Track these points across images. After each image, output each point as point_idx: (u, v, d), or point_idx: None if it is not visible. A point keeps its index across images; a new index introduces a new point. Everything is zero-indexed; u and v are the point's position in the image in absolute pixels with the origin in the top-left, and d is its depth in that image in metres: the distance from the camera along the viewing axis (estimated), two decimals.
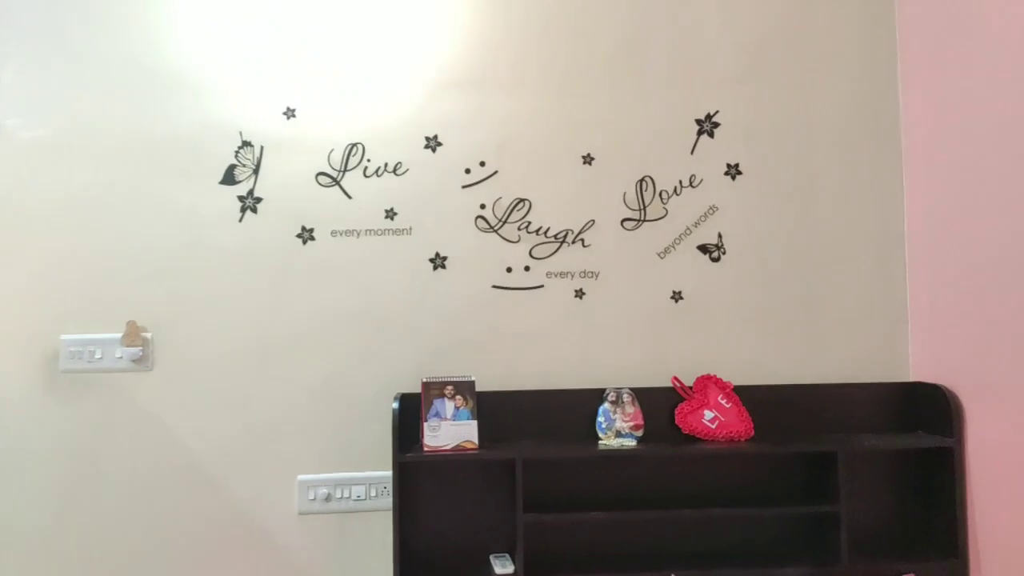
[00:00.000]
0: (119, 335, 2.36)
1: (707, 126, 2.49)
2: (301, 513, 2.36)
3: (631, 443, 2.25)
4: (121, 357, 2.36)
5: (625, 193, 2.47)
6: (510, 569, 2.16)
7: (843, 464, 2.18)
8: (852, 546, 2.19)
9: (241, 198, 2.41)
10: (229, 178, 2.42)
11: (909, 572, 2.15)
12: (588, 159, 2.46)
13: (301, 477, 2.36)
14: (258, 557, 2.35)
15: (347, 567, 2.35)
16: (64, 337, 2.36)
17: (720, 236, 2.47)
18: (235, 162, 2.42)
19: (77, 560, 2.31)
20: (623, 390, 2.31)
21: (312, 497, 2.36)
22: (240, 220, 2.41)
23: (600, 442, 2.27)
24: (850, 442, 2.26)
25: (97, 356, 2.37)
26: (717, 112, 2.49)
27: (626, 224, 2.46)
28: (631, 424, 2.28)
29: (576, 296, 2.43)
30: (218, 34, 2.43)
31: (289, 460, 2.37)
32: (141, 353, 2.36)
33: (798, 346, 2.46)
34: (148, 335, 2.38)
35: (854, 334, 2.47)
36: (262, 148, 2.42)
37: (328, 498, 2.36)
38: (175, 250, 2.39)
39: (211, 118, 2.41)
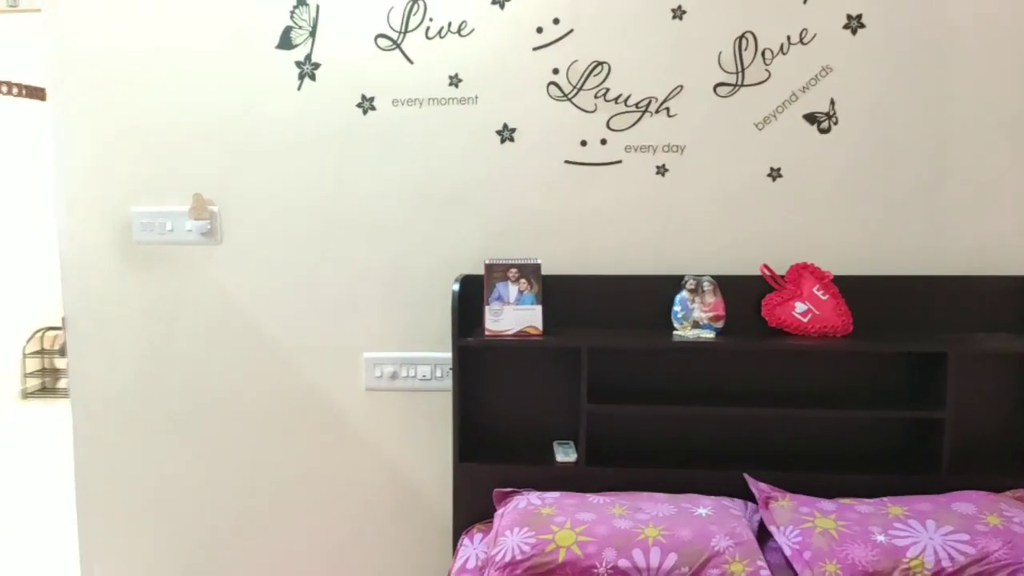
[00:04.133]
0: (187, 208, 2.35)
1: None
2: (368, 389, 2.36)
3: (709, 335, 2.06)
4: (191, 230, 2.36)
5: (720, 53, 2.13)
6: (572, 457, 2.10)
7: (953, 366, 1.92)
8: (954, 457, 1.97)
9: (299, 64, 2.26)
10: (285, 42, 2.26)
11: (1019, 489, 1.92)
12: (678, 12, 2.13)
13: (367, 355, 2.34)
14: (326, 431, 2.39)
15: (412, 444, 2.36)
16: (135, 209, 2.37)
17: (832, 103, 2.12)
18: (291, 23, 2.25)
19: (152, 422, 2.44)
20: (704, 277, 2.10)
21: (378, 375, 2.35)
22: (299, 88, 2.27)
23: (675, 332, 2.10)
24: (963, 342, 1.98)
25: (168, 228, 2.37)
26: None
27: (720, 90, 2.15)
28: (711, 314, 2.08)
29: (658, 173, 2.19)
30: None
31: (355, 337, 2.35)
32: (209, 227, 2.35)
33: (914, 233, 2.14)
34: (215, 208, 2.35)
35: (981, 220, 2.12)
36: (318, 7, 2.24)
37: (394, 376, 2.34)
38: (235, 120, 2.31)
39: None
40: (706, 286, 2.09)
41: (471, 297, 2.12)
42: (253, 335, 2.38)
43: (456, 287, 2.07)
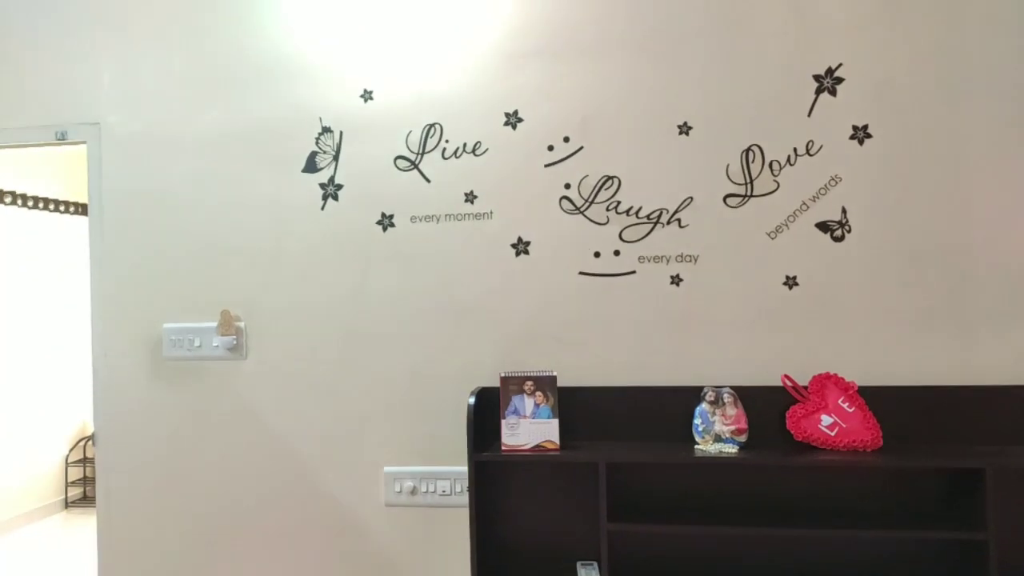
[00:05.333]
0: (215, 324, 2.42)
1: (828, 82, 2.13)
2: (388, 505, 2.33)
3: (732, 449, 2.00)
4: (217, 346, 2.42)
5: (728, 165, 2.17)
6: None
7: (992, 482, 1.81)
8: None
9: (323, 185, 2.37)
10: (311, 166, 2.38)
11: None
12: (685, 129, 2.19)
13: (388, 469, 2.32)
14: (346, 546, 2.35)
15: (432, 562, 2.30)
16: (166, 326, 2.45)
17: (844, 211, 2.12)
18: (316, 149, 2.38)
19: (175, 535, 2.43)
20: (723, 389, 2.06)
21: (398, 490, 2.32)
22: (322, 208, 2.37)
23: (696, 447, 2.04)
24: (1001, 456, 1.88)
25: (196, 344, 2.44)
26: (840, 65, 2.12)
27: (730, 200, 2.17)
28: (732, 427, 2.02)
29: (672, 283, 2.19)
30: (297, 23, 2.39)
31: (376, 451, 2.34)
32: (235, 342, 2.41)
33: (940, 341, 2.08)
34: (241, 324, 2.41)
35: (1010, 327, 2.05)
36: (341, 133, 2.36)
37: (414, 491, 2.31)
38: (262, 239, 2.40)
39: (293, 105, 2.39)
40: (726, 398, 2.05)
41: (488, 409, 2.10)
42: (277, 448, 2.39)
43: (472, 400, 2.06)
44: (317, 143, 2.37)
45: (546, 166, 2.25)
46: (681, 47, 2.20)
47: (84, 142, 2.51)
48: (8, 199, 4.73)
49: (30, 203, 4.92)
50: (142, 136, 2.47)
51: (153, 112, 2.47)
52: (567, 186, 2.24)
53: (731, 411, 2.03)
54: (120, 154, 2.48)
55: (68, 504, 5.35)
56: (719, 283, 2.17)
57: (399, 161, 2.33)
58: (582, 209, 2.23)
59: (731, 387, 2.06)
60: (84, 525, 4.98)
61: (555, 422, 2.06)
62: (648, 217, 2.20)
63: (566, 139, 2.23)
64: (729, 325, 2.16)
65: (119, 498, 2.46)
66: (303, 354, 2.38)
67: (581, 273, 2.23)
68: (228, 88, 2.43)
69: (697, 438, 2.05)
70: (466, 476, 2.20)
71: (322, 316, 2.37)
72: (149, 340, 2.46)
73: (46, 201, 5.05)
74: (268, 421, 2.39)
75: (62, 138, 2.54)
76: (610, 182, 2.22)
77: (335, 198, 2.37)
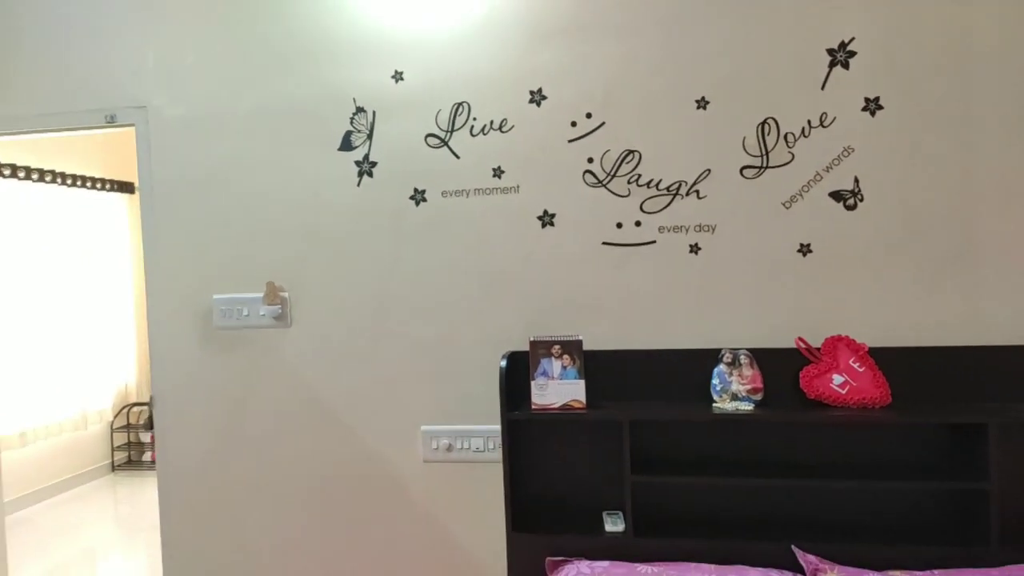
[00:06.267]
0: (261, 295, 2.58)
1: (841, 56, 2.21)
2: (426, 461, 2.49)
3: (748, 407, 2.13)
4: (264, 315, 2.58)
5: (744, 138, 2.27)
6: (621, 527, 2.16)
7: (995, 436, 1.93)
8: (1004, 529, 1.96)
9: (358, 163, 2.50)
10: (346, 144, 2.51)
11: None
12: (702, 103, 2.28)
13: (424, 428, 2.49)
14: (389, 498, 2.52)
15: (467, 512, 2.47)
16: (216, 297, 2.61)
17: (856, 181, 2.22)
18: (351, 128, 2.50)
19: (229, 488, 2.63)
20: (740, 351, 2.18)
21: (435, 447, 2.48)
22: (358, 184, 2.50)
23: (714, 405, 2.17)
24: (1004, 412, 1.99)
25: (244, 314, 2.60)
26: (852, 39, 2.20)
27: (746, 172, 2.27)
28: (748, 387, 2.15)
29: (691, 251, 2.31)
30: (331, 6, 2.50)
31: (412, 411, 2.50)
32: (280, 311, 2.57)
33: (947, 304, 2.18)
34: (285, 294, 2.57)
35: (1015, 291, 2.15)
36: (374, 113, 2.48)
37: (449, 448, 2.47)
38: (303, 214, 2.55)
39: (328, 87, 2.51)
40: (743, 359, 2.17)
41: (517, 372, 2.25)
42: (321, 409, 2.56)
43: (503, 363, 2.21)
44: (352, 122, 2.50)
45: (570, 141, 2.36)
46: (698, 24, 2.28)
47: (132, 124, 2.65)
48: (48, 177, 4.92)
49: (68, 181, 5.10)
50: (187, 117, 2.61)
51: (196, 94, 2.60)
52: (590, 160, 2.35)
53: (747, 371, 2.16)
54: (167, 135, 2.63)
55: (115, 467, 5.64)
56: (736, 251, 2.28)
57: (430, 139, 2.45)
58: (604, 182, 2.34)
59: (747, 349, 2.18)
60: (130, 486, 5.27)
61: (581, 383, 2.20)
62: (668, 189, 2.31)
63: (588, 115, 2.34)
64: (745, 291, 2.28)
65: (176, 456, 2.66)
66: (343, 321, 2.53)
67: (604, 243, 2.35)
68: (267, 70, 2.55)
69: (715, 397, 2.18)
70: (498, 434, 2.37)
71: (360, 286, 2.52)
72: (200, 310, 2.63)
73: (83, 179, 5.24)
74: (312, 384, 2.56)
75: (111, 121, 2.68)
76: (631, 156, 2.32)
77: (370, 175, 2.50)
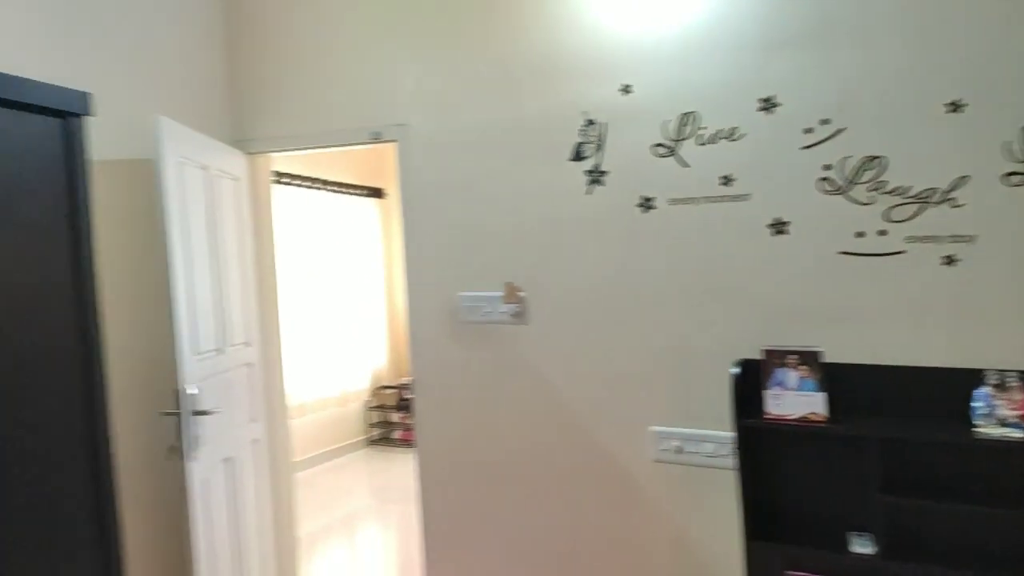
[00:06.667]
0: (501, 294, 2.83)
1: None
2: (655, 460, 2.58)
3: (1018, 434, 1.94)
4: (504, 312, 2.83)
5: (1008, 143, 2.04)
6: (869, 549, 2.08)
7: None
8: None
9: (588, 172, 2.63)
10: (577, 155, 2.65)
11: None
12: (955, 106, 2.09)
13: (653, 428, 2.57)
14: (619, 493, 2.65)
15: (697, 518, 2.52)
16: (461, 294, 2.90)
17: None
18: (582, 139, 2.63)
19: (476, 467, 2.92)
20: (1008, 373, 1.99)
21: (665, 447, 2.56)
22: (588, 193, 2.63)
23: (978, 429, 2.00)
24: None
25: (486, 310, 2.87)
26: None
27: (1011, 179, 2.05)
28: (1019, 413, 1.96)
29: (945, 263, 2.13)
30: (563, 25, 2.64)
31: (641, 411, 2.60)
32: (518, 309, 2.80)
33: None
34: (523, 294, 2.79)
35: None
36: (605, 125, 2.59)
37: (679, 450, 2.54)
38: (538, 221, 2.74)
39: (560, 102, 2.66)
40: (1012, 382, 1.98)
41: (748, 380, 2.25)
42: (554, 402, 2.75)
43: (735, 370, 2.22)
44: (582, 134, 2.63)
45: (803, 148, 2.28)
46: (944, 25, 2.10)
47: (395, 140, 2.99)
48: (317, 184, 5.68)
49: (332, 187, 5.85)
50: (437, 134, 2.91)
51: (445, 112, 2.88)
52: (827, 167, 2.26)
53: (1017, 396, 1.97)
54: (421, 150, 2.94)
55: (370, 443, 6.40)
56: (1000, 264, 2.07)
57: (658, 148, 2.50)
58: (843, 190, 2.24)
59: (1019, 371, 1.98)
60: (382, 461, 5.94)
61: (821, 396, 2.14)
62: (917, 197, 2.15)
63: (824, 121, 2.25)
64: (1011, 307, 2.06)
65: (432, 437, 3.00)
66: (576, 322, 2.69)
67: (842, 252, 2.25)
68: (505, 88, 2.76)
69: (978, 421, 2.01)
70: (727, 439, 2.39)
71: (591, 289, 2.65)
72: (448, 306, 2.94)
73: (344, 185, 5.98)
74: (547, 378, 2.76)
75: (377, 137, 3.05)
76: (874, 162, 2.19)
77: (600, 183, 2.62)
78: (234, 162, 3.14)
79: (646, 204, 2.54)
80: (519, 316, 2.79)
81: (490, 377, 2.86)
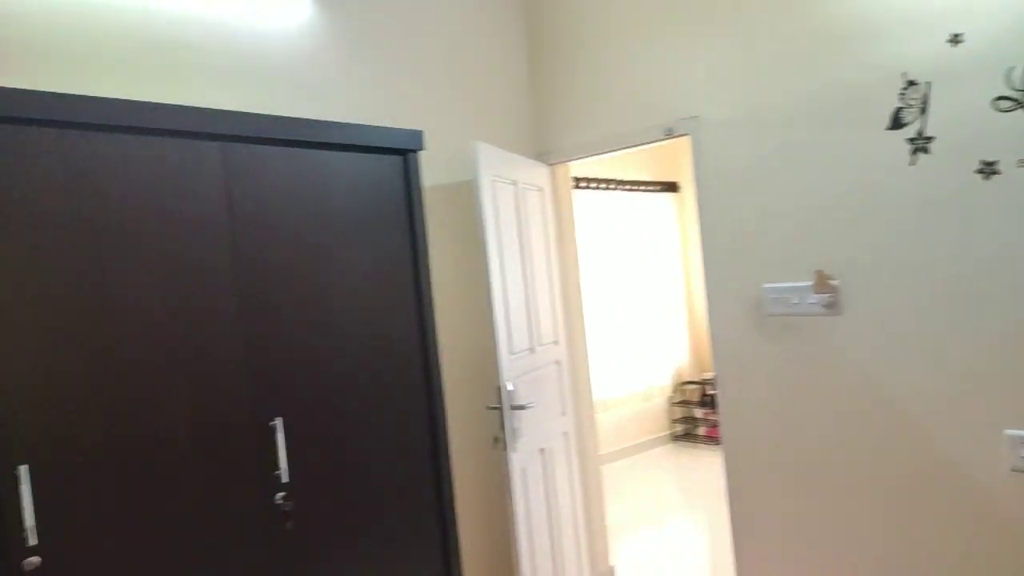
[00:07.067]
0: (810, 283, 2.64)
1: None
2: (1014, 470, 2.20)
3: None
4: (813, 303, 2.64)
5: None
6: None
7: None
8: None
9: (911, 140, 2.34)
10: (896, 122, 2.37)
11: None
12: None
13: (1010, 431, 2.20)
14: (967, 508, 2.31)
15: None
16: (766, 286, 2.78)
17: None
18: (900, 104, 2.35)
19: (785, 468, 2.75)
20: None
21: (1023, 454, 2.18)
22: (911, 163, 2.34)
23: None
24: None
25: (794, 302, 2.71)
26: None
27: None
28: None
29: None
30: None
31: (992, 412, 2.23)
32: (831, 299, 2.59)
33: None
34: (835, 283, 2.58)
35: None
36: (928, 84, 2.28)
37: None
38: (850, 201, 2.51)
39: (871, 65, 2.41)
40: None
41: None
42: (878, 401, 2.49)
43: None
44: (901, 98, 2.34)
45: None
46: None
47: (687, 134, 2.97)
48: (612, 185, 5.86)
49: (627, 186, 5.98)
50: (731, 120, 2.81)
51: (741, 96, 2.78)
52: None
53: None
54: (714, 139, 2.87)
55: (674, 438, 6.40)
56: None
57: (1000, 102, 2.13)
58: None
59: None
60: (688, 456, 5.90)
61: None
62: None
63: None
64: None
65: (739, 434, 2.91)
66: (903, 311, 2.41)
67: None
68: (803, 60, 2.58)
69: None
70: None
71: (921, 273, 2.35)
72: (752, 298, 2.82)
73: (638, 183, 6.08)
74: (867, 374, 2.50)
75: (669, 133, 3.05)
76: None
77: (925, 151, 2.31)
78: (538, 173, 3.39)
79: (988, 169, 2.17)
80: (832, 307, 2.58)
81: (801, 374, 2.69)
